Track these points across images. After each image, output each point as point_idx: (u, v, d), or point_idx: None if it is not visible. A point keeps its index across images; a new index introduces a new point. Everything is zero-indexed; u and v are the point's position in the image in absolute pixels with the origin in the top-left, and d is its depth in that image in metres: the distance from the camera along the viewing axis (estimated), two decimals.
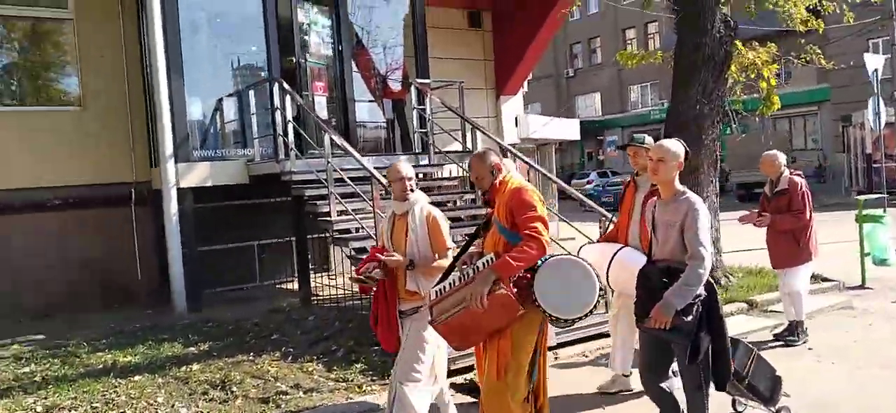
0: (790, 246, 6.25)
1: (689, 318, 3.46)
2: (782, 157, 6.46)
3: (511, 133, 13.24)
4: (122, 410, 5.09)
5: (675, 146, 3.71)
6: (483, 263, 3.54)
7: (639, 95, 40.41)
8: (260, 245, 10.40)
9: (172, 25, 8.38)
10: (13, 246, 8.91)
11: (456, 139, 9.28)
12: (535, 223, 3.49)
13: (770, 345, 6.31)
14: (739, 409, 4.54)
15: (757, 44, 9.32)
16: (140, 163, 9.69)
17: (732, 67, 8.84)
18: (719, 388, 3.72)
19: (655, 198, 3.86)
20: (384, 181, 6.37)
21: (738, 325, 6.95)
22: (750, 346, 4.37)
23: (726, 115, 9.81)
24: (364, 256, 4.21)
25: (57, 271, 9.11)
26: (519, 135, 13.29)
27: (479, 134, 9.15)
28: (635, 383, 4.89)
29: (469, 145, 9.16)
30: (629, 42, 40.06)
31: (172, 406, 5.17)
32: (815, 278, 8.70)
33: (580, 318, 3.58)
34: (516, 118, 13.24)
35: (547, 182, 12.93)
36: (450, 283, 3.62)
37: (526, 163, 9.13)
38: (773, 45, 9.46)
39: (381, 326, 4.06)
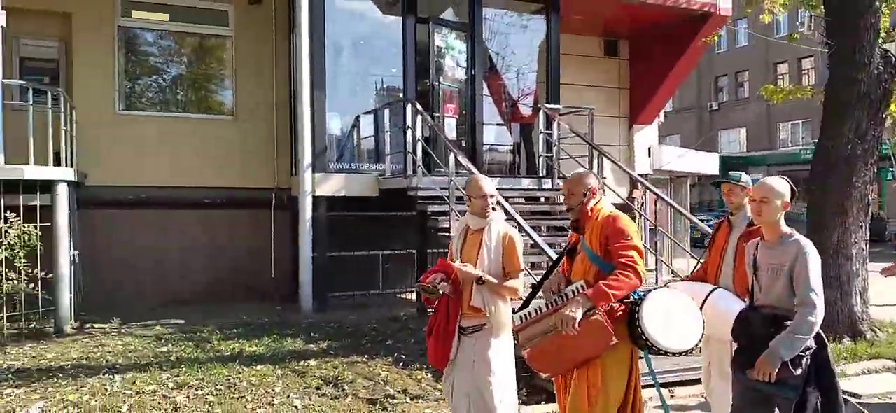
0: None
1: (799, 371, 3.23)
2: None
3: (643, 163, 12.91)
4: (242, 395, 5.48)
5: (781, 185, 3.49)
6: (573, 290, 3.50)
7: (788, 133, 37.83)
8: (383, 255, 10.82)
9: (318, 46, 9.01)
10: (168, 237, 9.87)
11: (582, 165, 9.18)
12: (631, 252, 3.43)
13: None
14: None
15: None
16: (282, 171, 10.43)
17: (892, 106, 8.12)
18: None
19: (758, 239, 3.63)
20: (506, 204, 6.47)
21: (883, 383, 6.37)
22: (860, 408, 3.96)
23: (886, 158, 9.02)
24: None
25: (201, 264, 10.00)
26: (652, 165, 12.92)
27: (606, 162, 9.01)
28: None
29: (595, 172, 9.03)
30: (781, 76, 37.67)
31: (288, 397, 5.49)
32: None
33: (681, 354, 3.44)
34: (650, 148, 12.89)
35: (679, 217, 12.46)
36: (536, 309, 3.60)
37: (654, 193, 8.87)
38: None
39: (436, 339, 3.94)
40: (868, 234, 8.09)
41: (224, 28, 10.46)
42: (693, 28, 11.46)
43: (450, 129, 9.88)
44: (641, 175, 12.93)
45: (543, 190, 9.27)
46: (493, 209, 3.99)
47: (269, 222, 10.36)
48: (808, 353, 3.26)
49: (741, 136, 41.13)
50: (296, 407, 5.29)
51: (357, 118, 9.83)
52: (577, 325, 3.34)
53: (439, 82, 9.82)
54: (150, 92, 10.45)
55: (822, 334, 3.35)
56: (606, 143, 12.33)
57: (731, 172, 4.70)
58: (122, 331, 7.78)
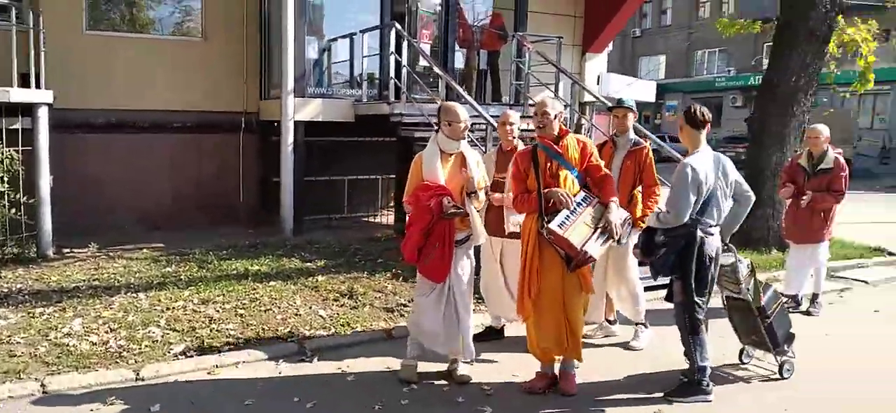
0: (821, 223, 6.34)
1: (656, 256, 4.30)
2: (827, 132, 6.39)
3: (593, 91, 13.48)
4: (267, 308, 5.83)
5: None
6: (584, 198, 4.22)
7: (704, 61, 39.64)
8: (349, 180, 11.09)
9: None
10: (138, 161, 9.75)
11: (550, 91, 9.66)
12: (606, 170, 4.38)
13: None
14: (745, 360, 4.98)
15: (857, 19, 9.40)
16: (251, 95, 10.39)
17: (831, 43, 8.97)
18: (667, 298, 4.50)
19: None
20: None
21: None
22: (779, 293, 4.84)
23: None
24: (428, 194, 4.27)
25: (169, 188, 9.96)
26: (600, 93, 13.52)
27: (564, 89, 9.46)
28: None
29: (562, 100, 9.53)
30: (703, 5, 39.16)
31: (310, 308, 5.89)
32: (880, 251, 9.20)
33: None
34: (599, 77, 13.47)
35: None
36: (566, 217, 4.09)
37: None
38: (873, 21, 9.52)
39: (437, 260, 4.28)
40: None
41: None
42: None
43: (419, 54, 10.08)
44: (589, 103, 13.62)
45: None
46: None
47: (238, 146, 10.38)
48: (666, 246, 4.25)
49: (661, 64, 42.71)
50: (322, 316, 5.69)
51: (333, 42, 9.88)
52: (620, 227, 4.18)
53: (417, 7, 9.92)
54: (119, 11, 10.06)
55: (694, 234, 4.20)
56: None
57: (624, 99, 5.37)
58: (104, 255, 7.78)
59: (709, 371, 4.33)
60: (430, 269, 4.32)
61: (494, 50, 10.80)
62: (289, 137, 8.99)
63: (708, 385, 4.32)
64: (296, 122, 9.10)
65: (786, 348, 4.73)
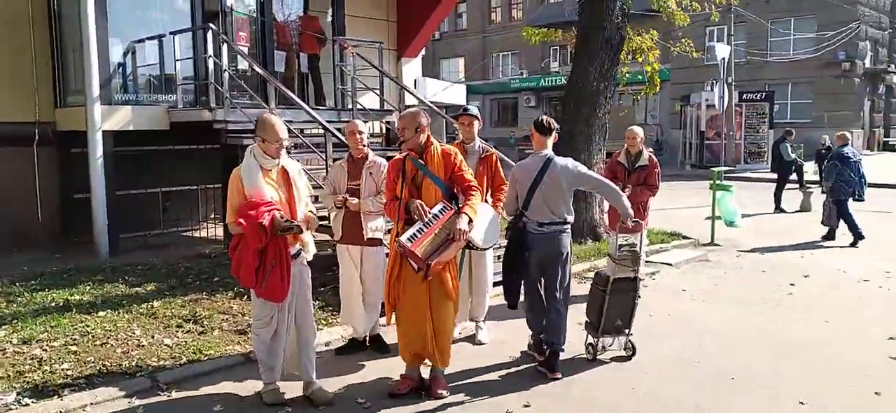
0: (640, 214, 6.91)
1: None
2: (642, 133, 7.21)
3: (417, 95, 13.85)
4: (103, 341, 5.28)
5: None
6: (441, 209, 4.29)
7: (499, 64, 42.25)
8: (163, 193, 10.33)
9: None
10: None
11: (376, 95, 9.79)
12: (473, 180, 4.48)
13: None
14: (600, 354, 5.33)
15: (643, 32, 10.70)
16: (43, 103, 9.26)
17: (622, 51, 10.11)
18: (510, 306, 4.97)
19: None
20: (339, 136, 6.88)
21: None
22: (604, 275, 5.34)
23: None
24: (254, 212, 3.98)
25: None
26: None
27: (386, 93, 9.67)
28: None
29: (388, 104, 9.72)
30: (494, 9, 41.64)
31: (152, 337, 5.43)
32: (676, 236, 10.46)
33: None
34: (415, 81, 13.86)
35: None
36: (418, 230, 4.18)
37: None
38: (654, 31, 10.88)
39: (276, 280, 4.04)
40: (605, 154, 10.09)
41: None
42: None
43: (242, 58, 9.71)
44: (409, 107, 13.98)
45: (341, 122, 9.68)
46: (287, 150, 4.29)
47: (32, 161, 9.20)
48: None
49: (460, 66, 44.75)
50: (168, 344, 5.29)
51: (137, 43, 9.11)
52: (466, 237, 4.27)
53: (230, 8, 9.51)
54: None
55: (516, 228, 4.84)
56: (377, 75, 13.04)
57: (469, 107, 5.76)
58: None
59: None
60: (269, 291, 4.08)
61: (314, 53, 10.68)
62: (97, 150, 8.19)
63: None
64: (104, 132, 8.30)
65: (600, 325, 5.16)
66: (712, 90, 20.69)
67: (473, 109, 5.65)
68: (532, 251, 4.82)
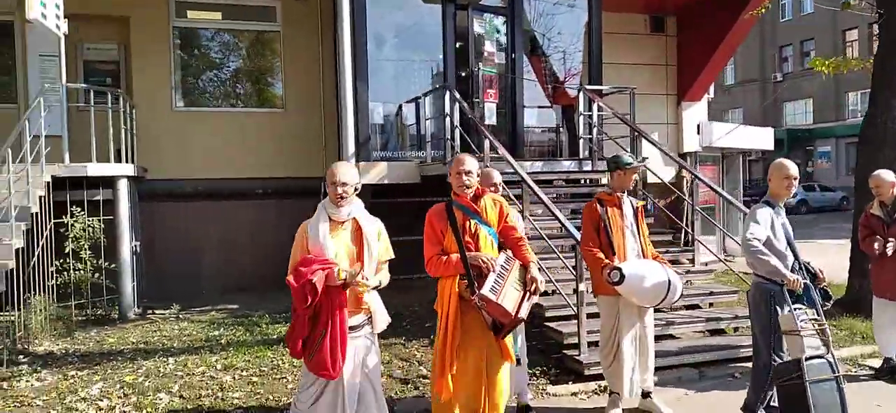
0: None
1: None
2: (892, 177, 5.74)
3: (692, 140, 12.67)
4: (283, 376, 5.79)
5: None
6: (507, 259, 3.91)
7: (857, 103, 36.16)
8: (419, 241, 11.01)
9: (360, 38, 9.22)
10: (223, 227, 10.34)
11: (623, 147, 9.13)
12: (522, 232, 4.19)
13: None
14: None
15: None
16: (330, 159, 10.73)
17: None
18: None
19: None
20: (534, 186, 6.55)
21: None
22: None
23: None
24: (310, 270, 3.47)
25: (251, 252, 10.42)
26: (701, 143, 12.65)
27: (649, 142, 8.92)
28: None
29: (643, 153, 8.98)
30: (849, 44, 36.03)
31: None
32: None
33: None
34: (698, 125, 12.62)
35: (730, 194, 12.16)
36: (495, 282, 3.75)
37: (691, 173, 8.81)
38: None
39: (324, 352, 3.44)
40: None
41: (272, 24, 10.85)
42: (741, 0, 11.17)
43: (490, 114, 9.97)
44: (692, 153, 12.76)
45: (584, 172, 9.28)
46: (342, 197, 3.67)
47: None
48: None
49: (807, 108, 39.61)
50: None
51: (400, 107, 10.04)
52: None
53: (479, 68, 9.91)
54: (205, 88, 10.93)
55: None
56: (654, 121, 12.18)
57: (627, 157, 4.86)
58: (181, 317, 8.25)
59: None
60: (317, 364, 3.47)
61: (568, 106, 10.46)
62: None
63: None
64: (363, 185, 9.21)
65: None
66: None
67: (633, 160, 4.90)
68: None
